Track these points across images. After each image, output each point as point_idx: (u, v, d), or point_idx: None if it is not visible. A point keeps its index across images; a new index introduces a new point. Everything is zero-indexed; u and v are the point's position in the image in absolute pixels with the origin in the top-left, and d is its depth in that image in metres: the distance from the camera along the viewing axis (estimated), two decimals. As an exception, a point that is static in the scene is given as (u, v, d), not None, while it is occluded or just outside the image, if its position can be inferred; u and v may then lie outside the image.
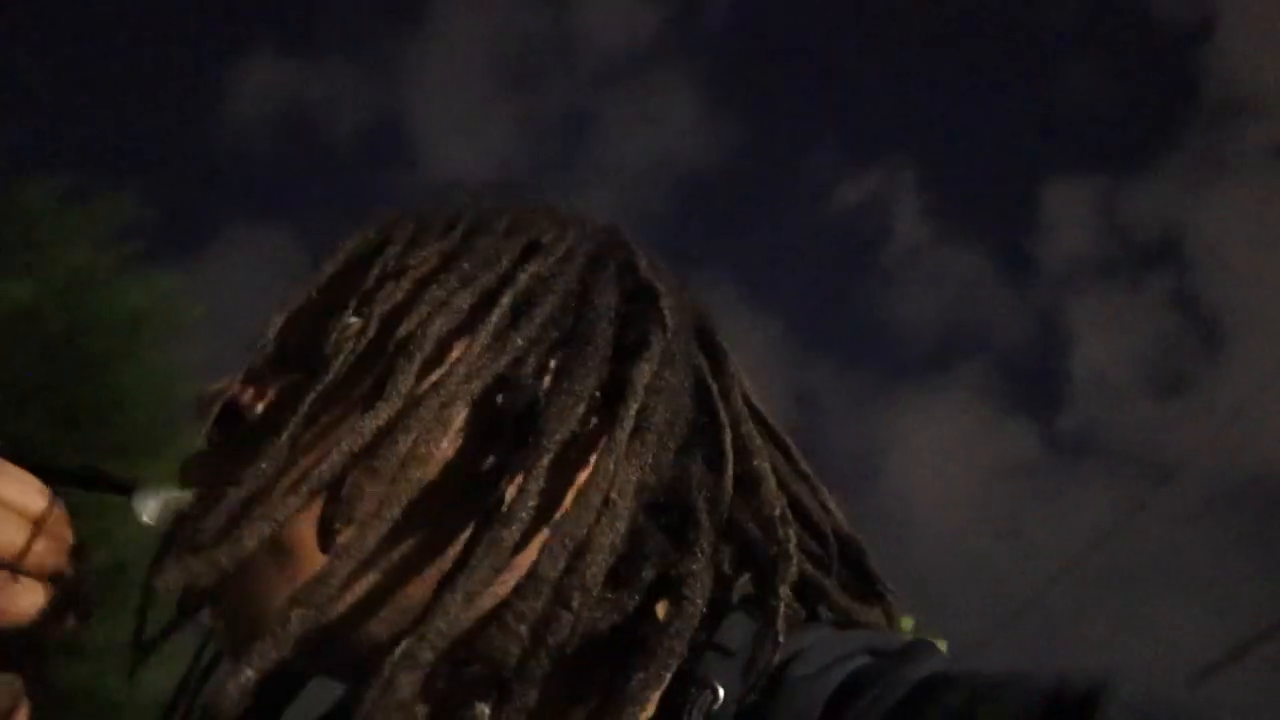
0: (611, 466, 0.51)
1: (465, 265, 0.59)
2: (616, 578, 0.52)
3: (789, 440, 0.64)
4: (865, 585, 0.62)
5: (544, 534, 0.50)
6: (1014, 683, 0.47)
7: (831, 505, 0.63)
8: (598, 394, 0.54)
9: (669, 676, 0.50)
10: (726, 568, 0.57)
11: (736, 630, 0.53)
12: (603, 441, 0.52)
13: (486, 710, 0.47)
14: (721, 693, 0.50)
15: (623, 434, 0.52)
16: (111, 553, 6.47)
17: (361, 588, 0.51)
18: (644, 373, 0.54)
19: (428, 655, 0.46)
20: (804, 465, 0.64)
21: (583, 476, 0.52)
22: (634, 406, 0.53)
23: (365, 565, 0.50)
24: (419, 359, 0.54)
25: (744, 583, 0.57)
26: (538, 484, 0.50)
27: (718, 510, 0.55)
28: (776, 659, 0.52)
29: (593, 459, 0.52)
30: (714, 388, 0.60)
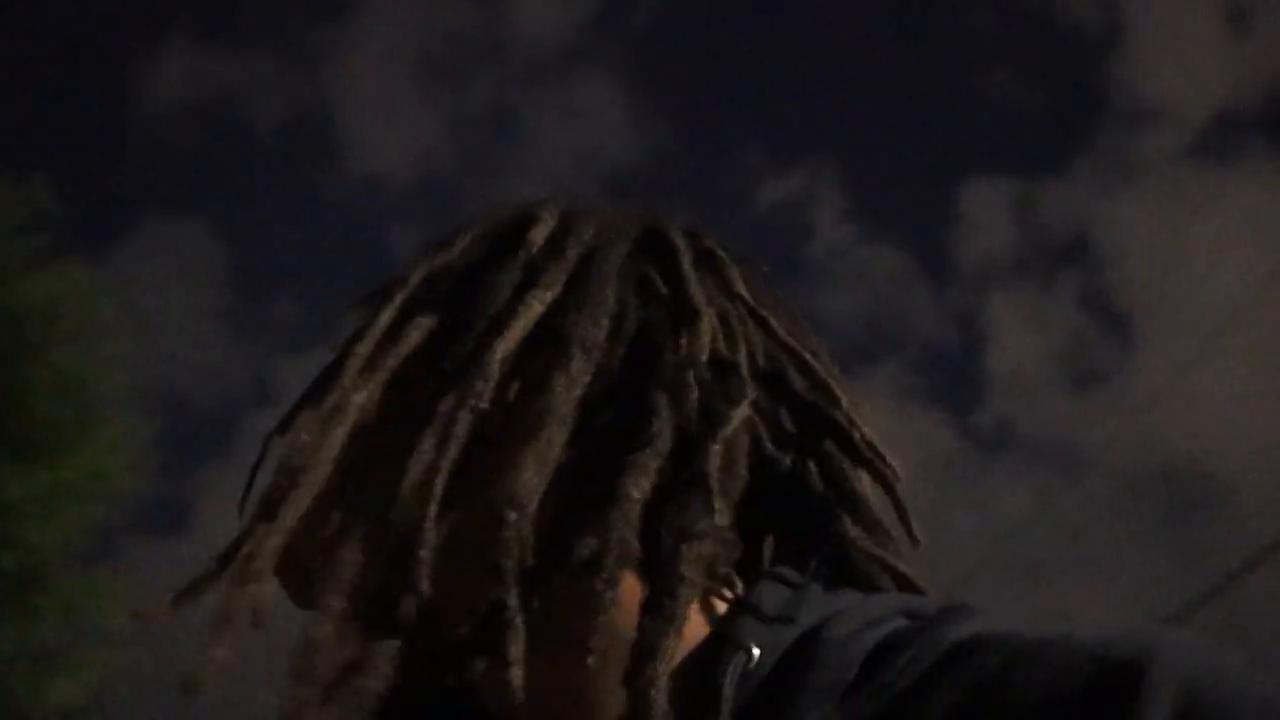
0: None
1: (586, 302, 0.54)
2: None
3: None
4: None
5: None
6: (1056, 644, 0.44)
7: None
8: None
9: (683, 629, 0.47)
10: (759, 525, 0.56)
11: (771, 593, 0.52)
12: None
13: None
14: (757, 653, 0.49)
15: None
16: (19, 558, 6.26)
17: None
18: (715, 456, 0.51)
19: None
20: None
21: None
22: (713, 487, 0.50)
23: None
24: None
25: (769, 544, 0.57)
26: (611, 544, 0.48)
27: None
28: (811, 621, 0.51)
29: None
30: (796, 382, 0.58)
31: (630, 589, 0.48)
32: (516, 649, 0.45)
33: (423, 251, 0.60)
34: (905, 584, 0.57)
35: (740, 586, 0.53)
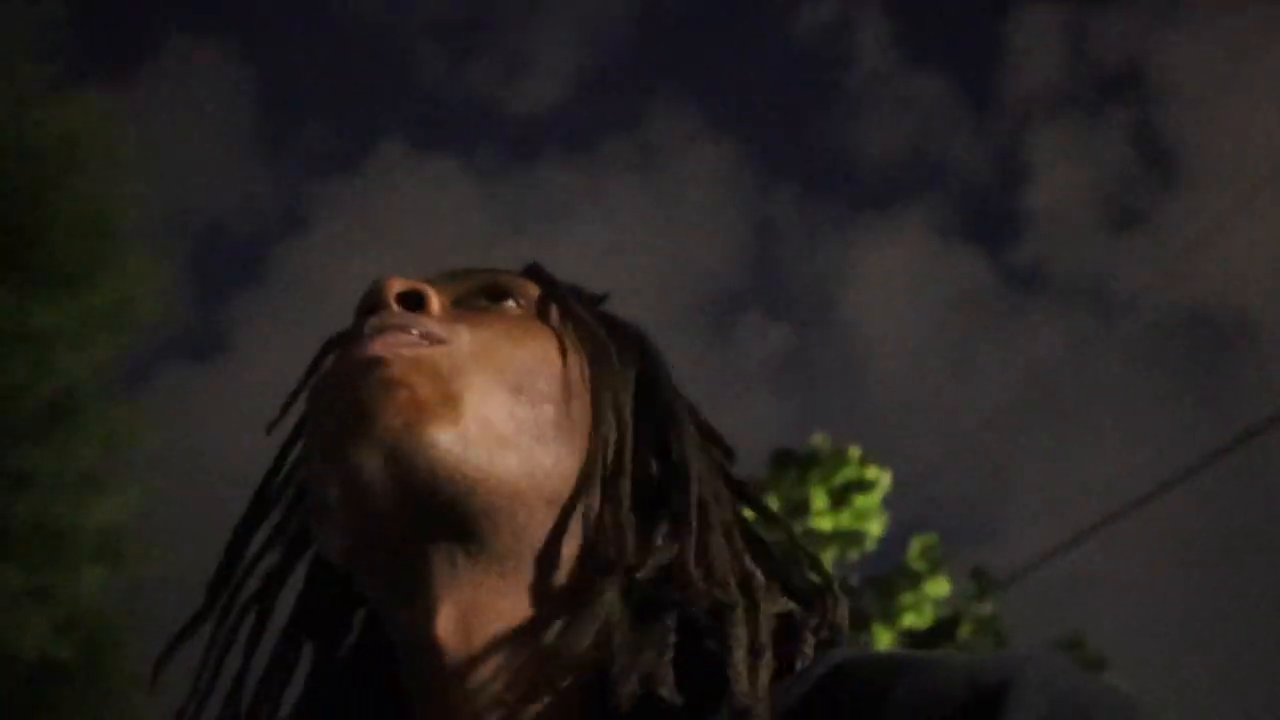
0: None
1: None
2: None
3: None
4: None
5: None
6: (932, 662, 0.49)
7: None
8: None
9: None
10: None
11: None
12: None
13: None
14: None
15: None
16: (53, 386, 6.40)
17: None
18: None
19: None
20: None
21: None
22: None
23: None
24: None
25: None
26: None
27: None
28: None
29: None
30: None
31: None
32: None
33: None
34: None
35: None
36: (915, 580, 11.63)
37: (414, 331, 0.57)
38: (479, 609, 0.54)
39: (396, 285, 0.60)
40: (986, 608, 11.69)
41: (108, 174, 6.84)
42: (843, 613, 0.58)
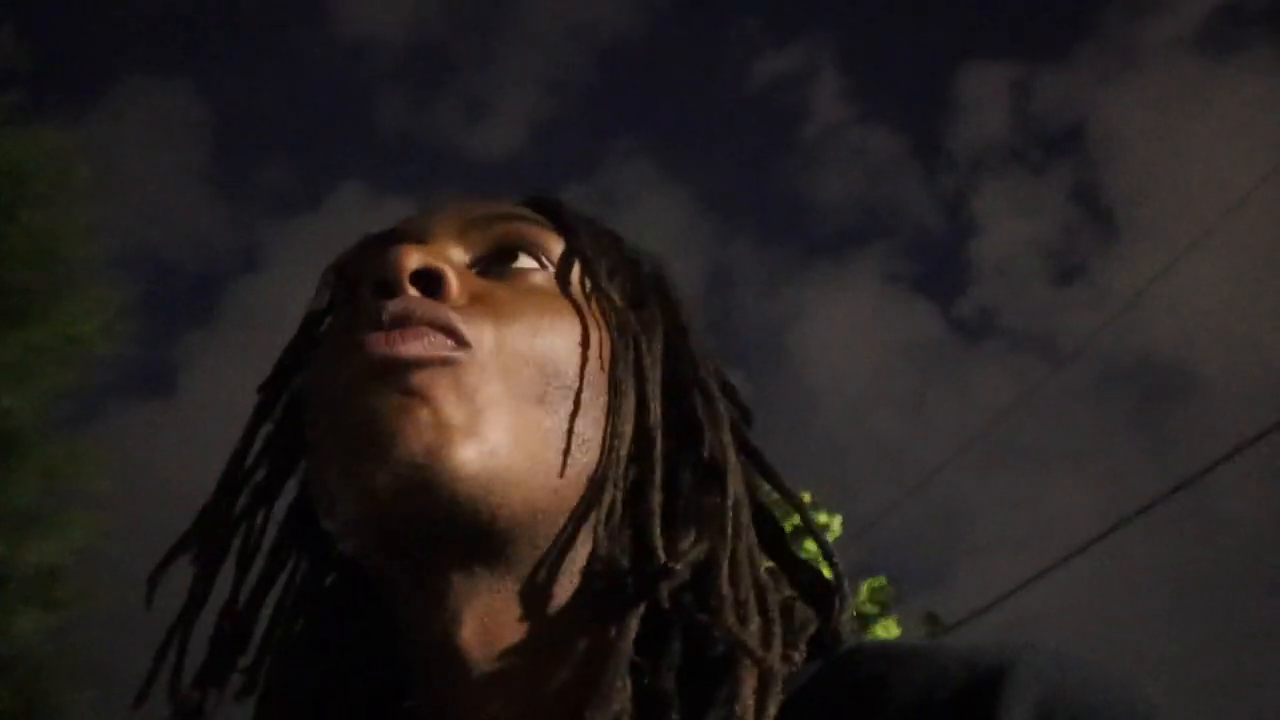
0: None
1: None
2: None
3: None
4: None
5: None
6: (930, 651, 0.49)
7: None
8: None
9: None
10: None
11: None
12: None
13: None
14: None
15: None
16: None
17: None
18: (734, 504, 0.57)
19: None
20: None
21: None
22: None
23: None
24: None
25: None
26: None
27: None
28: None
29: None
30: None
31: None
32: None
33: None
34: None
35: None
36: (865, 623, 11.65)
37: (436, 331, 0.52)
38: (497, 615, 0.52)
39: (413, 261, 0.54)
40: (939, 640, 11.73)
41: (59, 207, 6.74)
42: (849, 613, 0.56)
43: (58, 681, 6.40)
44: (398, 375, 0.51)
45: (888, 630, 11.63)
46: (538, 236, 0.60)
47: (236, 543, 0.60)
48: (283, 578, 0.61)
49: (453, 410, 0.51)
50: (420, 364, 0.51)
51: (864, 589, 11.87)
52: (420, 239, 0.58)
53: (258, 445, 0.61)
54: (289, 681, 0.58)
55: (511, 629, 0.52)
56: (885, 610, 11.84)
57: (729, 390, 0.63)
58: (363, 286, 0.55)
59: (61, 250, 6.63)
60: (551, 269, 0.60)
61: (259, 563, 0.60)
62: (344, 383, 0.52)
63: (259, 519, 0.60)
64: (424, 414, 0.50)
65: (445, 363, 0.52)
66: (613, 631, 0.51)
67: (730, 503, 0.55)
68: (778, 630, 0.51)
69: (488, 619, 0.52)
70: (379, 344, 0.52)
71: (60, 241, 6.62)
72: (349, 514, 0.51)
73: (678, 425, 0.58)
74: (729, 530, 0.54)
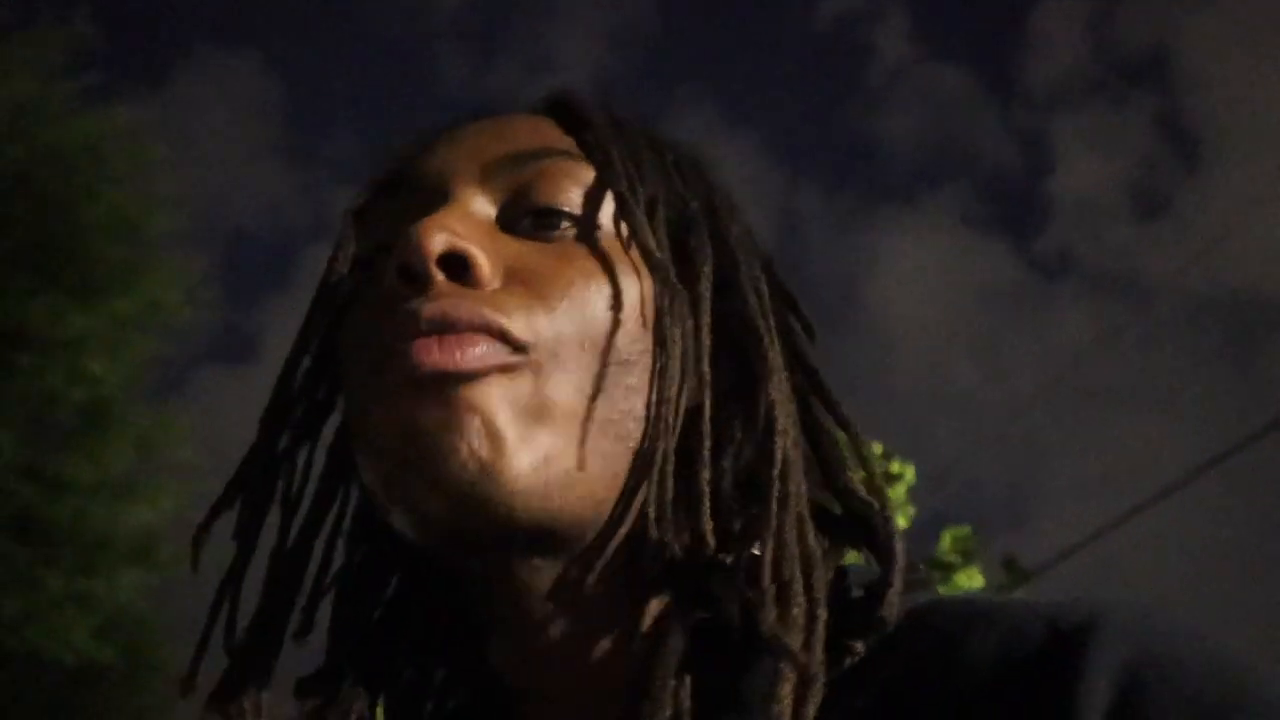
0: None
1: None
2: None
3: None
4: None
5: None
6: (1009, 608, 0.47)
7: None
8: None
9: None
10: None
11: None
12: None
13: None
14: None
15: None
16: (87, 392, 6.46)
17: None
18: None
19: None
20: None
21: None
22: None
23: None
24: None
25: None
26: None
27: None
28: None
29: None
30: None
31: None
32: None
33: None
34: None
35: None
36: (948, 573, 11.56)
37: (487, 337, 0.48)
38: (561, 594, 0.51)
39: (438, 244, 0.49)
40: (1019, 597, 11.63)
41: (137, 182, 6.91)
42: (894, 536, 0.50)
43: (159, 639, 6.65)
44: (446, 387, 0.47)
45: (971, 579, 11.52)
46: (568, 177, 0.55)
47: (281, 486, 0.57)
48: (331, 516, 0.58)
49: (506, 421, 0.48)
50: (474, 376, 0.48)
51: (946, 538, 11.76)
52: (437, 187, 0.54)
53: (298, 383, 0.57)
54: (358, 615, 0.57)
55: (578, 607, 0.51)
56: (969, 559, 11.73)
57: (788, 303, 0.59)
58: (386, 269, 0.51)
59: (142, 224, 6.80)
60: (588, 220, 0.54)
61: (305, 505, 0.57)
62: (383, 391, 0.49)
63: (300, 460, 0.58)
64: (475, 427, 0.47)
65: (502, 370, 0.48)
66: (665, 621, 0.50)
67: (776, 471, 0.50)
68: (822, 616, 0.47)
69: (550, 599, 0.51)
70: (425, 354, 0.48)
71: (141, 215, 6.79)
72: (399, 524, 0.50)
73: (728, 366, 0.54)
74: (774, 507, 0.50)
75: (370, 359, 0.50)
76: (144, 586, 6.52)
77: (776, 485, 0.50)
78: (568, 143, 0.56)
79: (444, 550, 0.50)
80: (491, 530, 0.48)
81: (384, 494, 0.49)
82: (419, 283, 0.49)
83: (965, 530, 11.85)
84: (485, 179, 0.54)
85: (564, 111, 0.58)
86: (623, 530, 0.51)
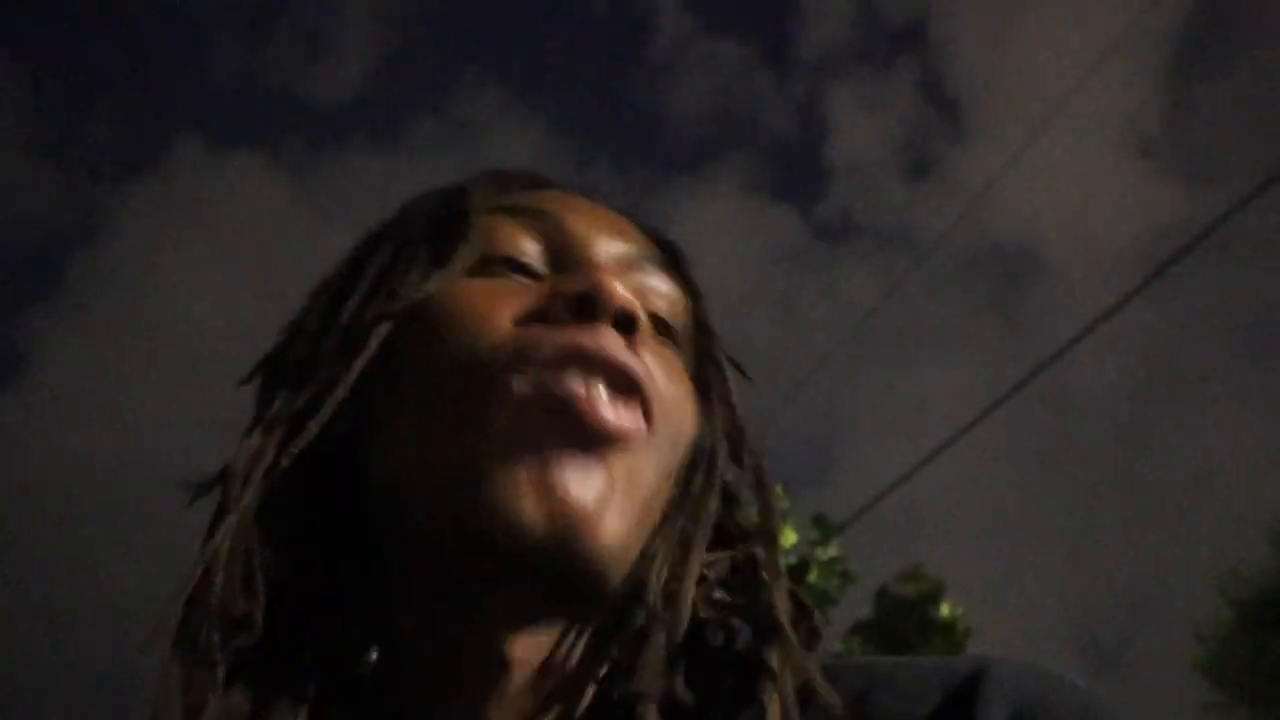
0: None
1: None
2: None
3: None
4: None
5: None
6: (906, 666, 0.53)
7: None
8: None
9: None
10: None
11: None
12: None
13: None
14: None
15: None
16: None
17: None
18: None
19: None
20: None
21: None
22: None
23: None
24: None
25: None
26: None
27: None
28: None
29: None
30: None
31: None
32: None
33: None
34: None
35: None
36: (762, 533, 11.86)
37: (640, 405, 0.54)
38: (554, 638, 0.53)
39: (618, 299, 0.54)
40: (830, 550, 12.14)
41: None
42: (821, 639, 0.56)
43: None
44: (596, 438, 0.52)
45: (786, 538, 11.91)
46: (685, 309, 0.62)
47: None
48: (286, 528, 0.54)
49: (616, 484, 0.52)
50: (621, 437, 0.52)
51: (758, 499, 12.06)
52: (589, 256, 0.58)
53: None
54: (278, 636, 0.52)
55: (562, 652, 0.53)
56: (783, 519, 12.10)
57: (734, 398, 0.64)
58: (555, 299, 0.54)
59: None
60: (685, 346, 0.61)
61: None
62: (527, 421, 0.51)
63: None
64: (598, 478, 0.51)
65: (635, 438, 0.53)
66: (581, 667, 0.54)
67: (778, 563, 0.56)
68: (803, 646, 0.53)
69: (544, 639, 0.53)
70: (600, 410, 0.52)
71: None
72: (477, 529, 0.50)
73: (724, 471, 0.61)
74: (769, 586, 0.55)
75: (527, 381, 0.52)
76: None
77: (772, 572, 0.56)
78: (670, 269, 0.62)
79: (490, 569, 0.51)
80: (564, 567, 0.50)
81: (483, 498, 0.50)
82: (592, 319, 0.53)
83: (776, 489, 12.21)
84: (624, 272, 0.58)
85: (665, 250, 0.63)
86: (630, 598, 0.54)
